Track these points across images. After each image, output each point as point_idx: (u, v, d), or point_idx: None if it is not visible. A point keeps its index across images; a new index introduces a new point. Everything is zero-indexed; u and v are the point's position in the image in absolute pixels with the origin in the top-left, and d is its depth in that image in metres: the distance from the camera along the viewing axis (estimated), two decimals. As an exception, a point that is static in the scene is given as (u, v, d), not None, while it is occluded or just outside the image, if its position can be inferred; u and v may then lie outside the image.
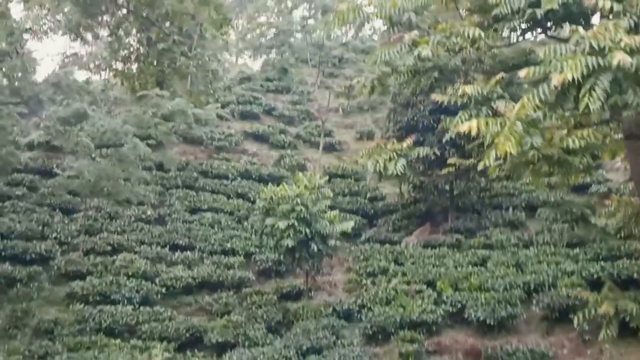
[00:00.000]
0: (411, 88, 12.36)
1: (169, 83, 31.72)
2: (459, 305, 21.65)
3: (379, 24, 51.38)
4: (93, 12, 26.22)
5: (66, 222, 25.63)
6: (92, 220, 25.85)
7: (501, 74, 10.54)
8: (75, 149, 23.12)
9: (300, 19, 56.56)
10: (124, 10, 28.14)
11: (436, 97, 10.60)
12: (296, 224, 21.45)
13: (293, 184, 23.58)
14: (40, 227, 24.81)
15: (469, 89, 9.98)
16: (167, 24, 27.91)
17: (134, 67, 32.63)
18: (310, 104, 40.65)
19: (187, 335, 20.61)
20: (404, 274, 23.98)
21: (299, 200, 21.70)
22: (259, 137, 35.94)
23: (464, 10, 11.39)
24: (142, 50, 31.80)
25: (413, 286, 23.02)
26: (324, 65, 43.78)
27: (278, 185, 23.29)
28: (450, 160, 12.85)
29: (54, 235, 24.62)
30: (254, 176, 31.52)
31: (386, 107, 35.94)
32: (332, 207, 24.00)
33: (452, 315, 21.63)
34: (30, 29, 29.36)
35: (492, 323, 20.61)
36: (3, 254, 22.89)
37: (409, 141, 12.89)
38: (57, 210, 26.33)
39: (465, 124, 9.41)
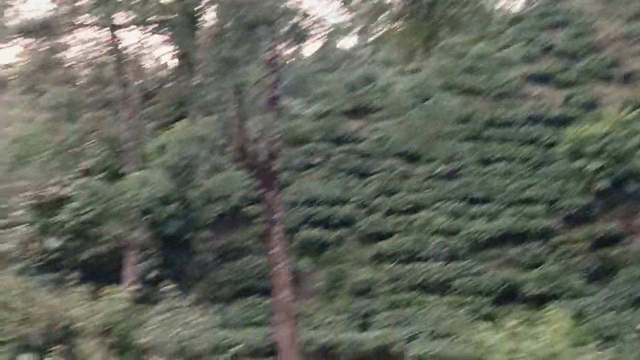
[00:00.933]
0: None
1: (439, 36, 30.99)
2: None
3: None
4: None
5: (362, 185, 26.25)
6: (386, 181, 26.18)
7: None
8: (387, 108, 22.88)
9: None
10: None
11: None
12: (608, 164, 19.74)
13: (590, 123, 21.75)
14: (339, 192, 25.66)
15: None
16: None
17: (402, 25, 32.32)
18: (594, 35, 37.27)
19: (501, 289, 20.08)
20: None
21: (609, 139, 19.92)
22: (540, 79, 33.70)
23: None
24: (409, 6, 31.38)
25: None
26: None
27: (568, 127, 21.66)
28: None
29: (353, 199, 25.35)
30: (542, 120, 29.73)
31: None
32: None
33: None
34: None
35: None
36: (311, 220, 24.05)
37: None
38: (352, 175, 27.00)
39: None
